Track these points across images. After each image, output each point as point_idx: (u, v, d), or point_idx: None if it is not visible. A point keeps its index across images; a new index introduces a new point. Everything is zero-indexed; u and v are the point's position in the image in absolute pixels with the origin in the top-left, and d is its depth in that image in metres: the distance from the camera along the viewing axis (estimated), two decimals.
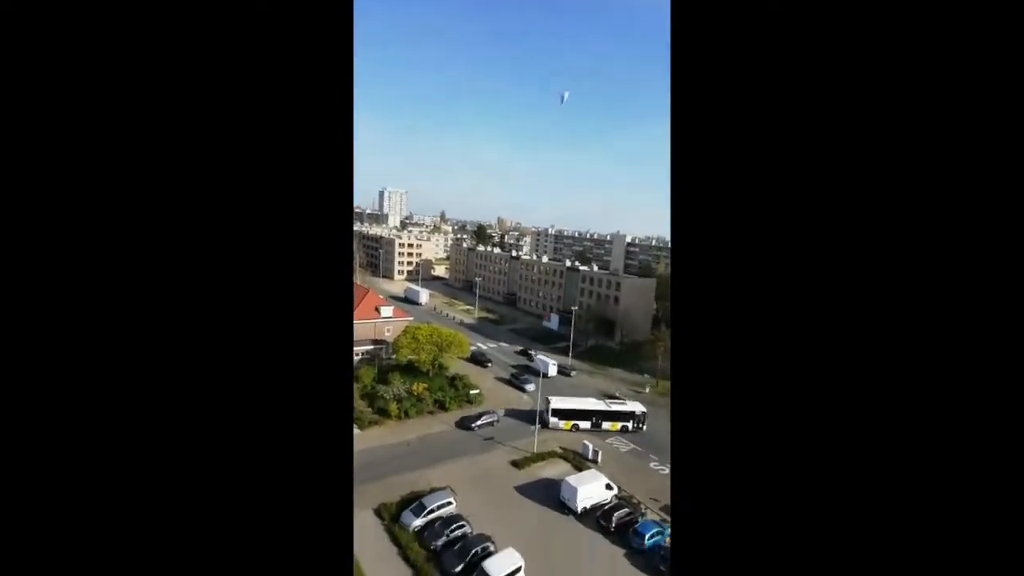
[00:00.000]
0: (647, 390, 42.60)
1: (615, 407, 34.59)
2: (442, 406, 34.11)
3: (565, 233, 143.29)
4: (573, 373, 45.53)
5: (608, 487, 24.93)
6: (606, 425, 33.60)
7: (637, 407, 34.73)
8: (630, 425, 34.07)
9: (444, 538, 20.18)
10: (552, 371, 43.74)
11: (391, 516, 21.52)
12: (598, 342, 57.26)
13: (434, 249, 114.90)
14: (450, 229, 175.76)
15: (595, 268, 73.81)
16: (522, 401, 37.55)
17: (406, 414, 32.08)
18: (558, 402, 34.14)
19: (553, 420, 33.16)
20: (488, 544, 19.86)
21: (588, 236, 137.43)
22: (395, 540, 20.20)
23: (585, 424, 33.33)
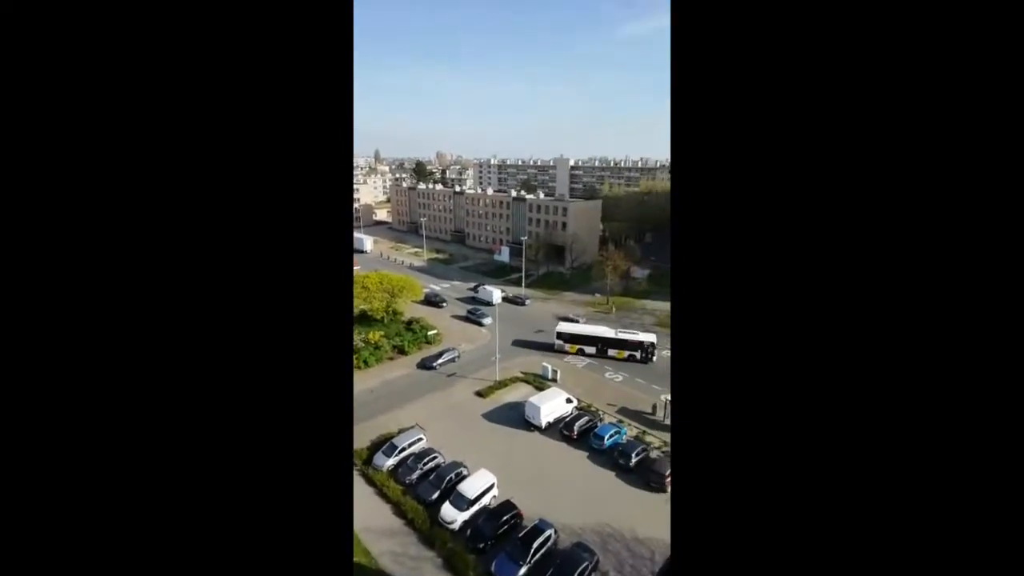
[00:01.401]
0: (613, 311, 43.48)
1: (623, 335, 33.67)
2: (401, 351, 34.16)
3: (508, 162, 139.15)
4: (528, 302, 46.50)
5: (568, 401, 26.67)
6: (612, 353, 33.34)
7: (646, 337, 33.11)
8: (638, 355, 32.57)
9: (418, 471, 21.10)
10: (497, 298, 44.51)
11: (363, 460, 22.07)
12: (549, 269, 58.31)
13: (373, 192, 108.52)
14: (387, 169, 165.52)
15: (541, 195, 73.11)
16: (481, 335, 38.28)
17: (365, 363, 31.93)
18: (565, 327, 35.10)
19: (558, 343, 34.24)
20: (461, 469, 21.02)
21: (532, 163, 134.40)
22: (370, 482, 20.91)
23: (590, 350, 34.03)
